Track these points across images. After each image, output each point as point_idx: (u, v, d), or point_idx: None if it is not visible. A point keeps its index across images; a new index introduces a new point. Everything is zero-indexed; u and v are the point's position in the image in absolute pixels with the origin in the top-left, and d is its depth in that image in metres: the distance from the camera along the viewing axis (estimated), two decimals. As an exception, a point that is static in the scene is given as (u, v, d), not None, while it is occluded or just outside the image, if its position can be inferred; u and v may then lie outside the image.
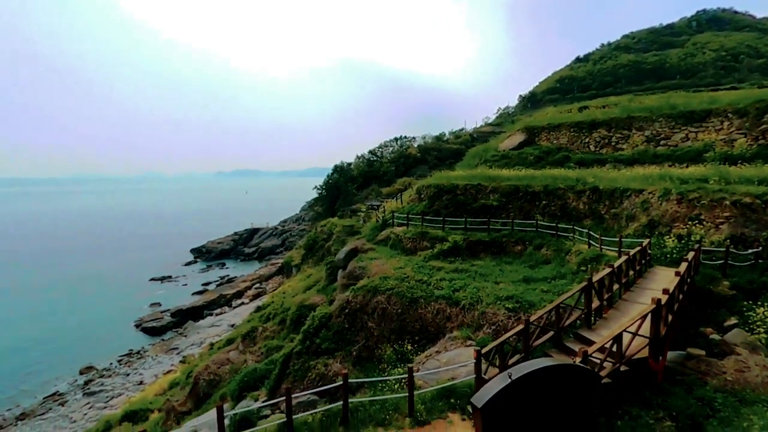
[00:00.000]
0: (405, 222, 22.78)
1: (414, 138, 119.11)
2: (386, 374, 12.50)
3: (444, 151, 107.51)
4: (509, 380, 5.66)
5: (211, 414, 12.28)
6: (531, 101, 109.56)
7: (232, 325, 52.30)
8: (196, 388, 14.79)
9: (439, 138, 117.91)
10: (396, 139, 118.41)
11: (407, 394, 9.09)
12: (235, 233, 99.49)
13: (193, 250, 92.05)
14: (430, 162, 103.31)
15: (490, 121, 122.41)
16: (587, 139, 32.22)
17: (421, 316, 14.06)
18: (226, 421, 11.04)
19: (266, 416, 10.61)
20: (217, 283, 71.88)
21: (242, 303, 62.20)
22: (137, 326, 53.79)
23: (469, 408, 9.03)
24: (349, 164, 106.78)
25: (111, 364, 44.45)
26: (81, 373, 42.42)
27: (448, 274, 16.87)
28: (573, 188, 24.00)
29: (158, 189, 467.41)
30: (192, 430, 10.68)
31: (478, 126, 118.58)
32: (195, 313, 57.42)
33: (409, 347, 13.36)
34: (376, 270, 16.38)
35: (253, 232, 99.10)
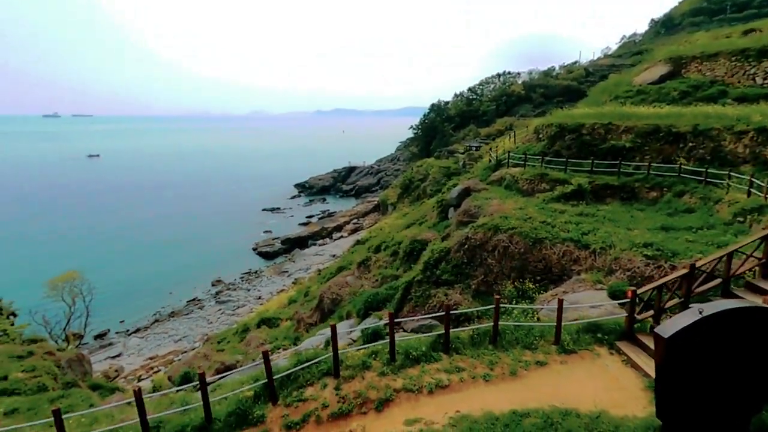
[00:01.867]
0: (522, 162, 21.41)
1: (518, 74, 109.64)
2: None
3: (552, 88, 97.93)
4: (699, 315, 5.35)
5: (340, 325, 13.49)
6: (666, 26, 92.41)
7: (334, 255, 56.39)
8: (321, 304, 16.40)
9: (547, 74, 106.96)
10: (498, 75, 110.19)
11: (554, 323, 9.09)
12: (334, 170, 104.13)
13: (296, 185, 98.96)
14: (535, 100, 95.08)
15: (610, 52, 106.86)
16: (753, 70, 26.47)
17: (546, 257, 13.57)
18: (357, 333, 12.09)
19: (386, 334, 11.37)
20: (319, 216, 77.01)
21: (341, 236, 66.34)
22: (254, 250, 60.59)
23: (625, 343, 8.65)
24: (446, 103, 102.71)
25: (235, 279, 51.26)
26: (213, 285, 49.66)
27: (573, 218, 15.79)
28: (731, 128, 20.24)
29: (263, 128, 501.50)
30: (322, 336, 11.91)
31: (596, 59, 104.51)
32: (301, 242, 62.74)
33: (530, 285, 13.14)
34: (493, 209, 15.96)
35: (351, 170, 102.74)
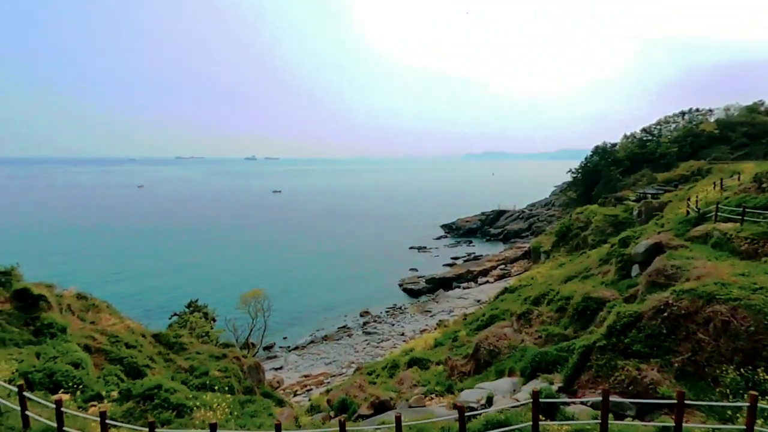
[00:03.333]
0: (737, 217, 17.13)
1: (710, 110, 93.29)
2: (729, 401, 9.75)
3: (759, 126, 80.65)
4: None
5: (501, 382, 12.39)
6: None
7: (478, 300, 54.23)
8: (478, 354, 15.52)
9: (752, 109, 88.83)
10: (682, 114, 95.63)
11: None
12: (483, 213, 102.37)
13: (443, 226, 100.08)
14: (735, 141, 79.23)
15: None
16: None
17: (790, 342, 10.21)
18: (523, 395, 10.83)
19: (564, 402, 9.86)
20: (464, 258, 75.81)
21: (487, 281, 63.71)
22: (399, 285, 62.49)
23: None
24: (614, 145, 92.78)
25: (381, 312, 53.25)
26: (361, 315, 52.44)
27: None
28: None
29: (414, 169, 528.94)
30: (488, 392, 10.96)
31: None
32: (445, 283, 62.29)
33: (766, 377, 9.98)
34: (701, 272, 12.96)
35: (500, 213, 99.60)
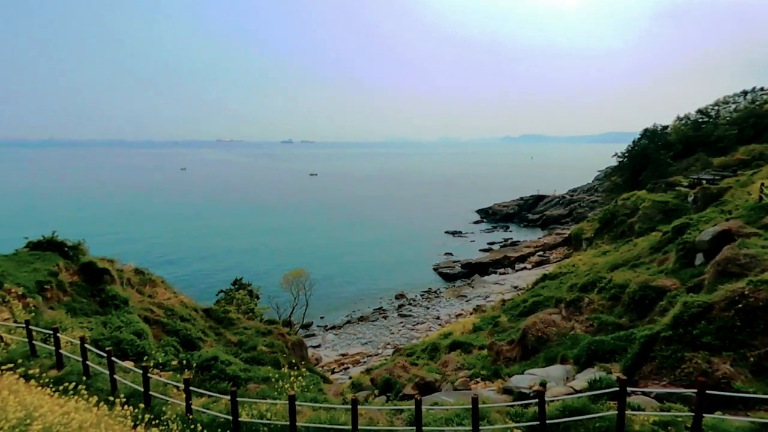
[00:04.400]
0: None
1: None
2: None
3: (834, 107, 73.74)
4: None
5: (553, 369, 12.17)
6: None
7: (516, 287, 53.39)
8: (524, 340, 15.29)
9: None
10: (744, 93, 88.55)
11: None
12: (521, 198, 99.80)
13: (479, 211, 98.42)
14: (804, 123, 72.70)
15: None
16: None
17: None
18: (579, 383, 10.58)
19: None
20: (501, 244, 74.51)
21: (524, 267, 62.48)
22: (435, 269, 62.35)
23: None
24: (665, 128, 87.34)
25: (416, 296, 53.50)
26: (396, 298, 52.88)
27: None
28: None
29: (451, 153, 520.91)
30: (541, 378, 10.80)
31: None
32: (481, 268, 61.59)
33: None
34: (777, 262, 12.14)
35: (539, 198, 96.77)
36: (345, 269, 61.22)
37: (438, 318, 47.11)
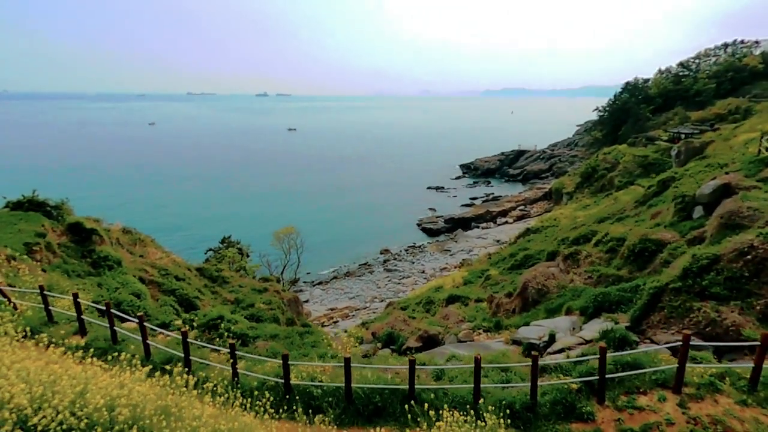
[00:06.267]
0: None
1: (756, 42, 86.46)
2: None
3: (809, 61, 75.05)
4: None
5: (560, 320, 12.58)
6: None
7: (498, 240, 54.63)
8: (525, 292, 15.74)
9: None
10: (725, 46, 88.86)
11: None
12: (502, 153, 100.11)
13: (461, 166, 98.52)
14: (780, 77, 74.00)
15: None
16: None
17: None
18: (588, 333, 10.97)
19: (635, 341, 9.95)
20: (483, 199, 75.40)
21: (506, 222, 63.78)
22: (418, 225, 62.93)
23: None
24: (646, 81, 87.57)
25: (400, 251, 54.14)
26: (381, 253, 53.41)
27: None
28: None
29: (430, 107, 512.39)
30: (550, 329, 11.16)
31: None
32: (464, 223, 62.50)
33: None
34: (782, 215, 12.58)
35: (519, 153, 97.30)
36: (329, 226, 61.04)
37: (423, 272, 48.03)
